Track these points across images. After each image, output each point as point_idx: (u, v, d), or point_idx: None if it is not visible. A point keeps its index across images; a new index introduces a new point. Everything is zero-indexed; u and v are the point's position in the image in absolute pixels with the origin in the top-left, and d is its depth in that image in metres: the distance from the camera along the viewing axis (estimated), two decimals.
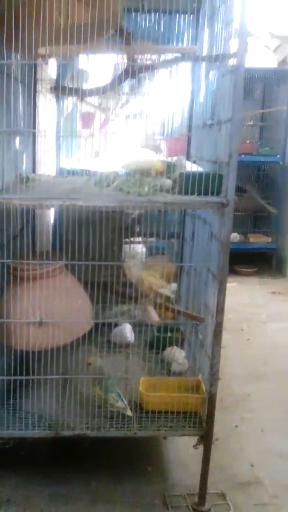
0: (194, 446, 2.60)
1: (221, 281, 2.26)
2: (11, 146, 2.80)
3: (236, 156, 2.14)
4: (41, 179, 2.89)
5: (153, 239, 3.94)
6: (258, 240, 6.86)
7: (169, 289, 3.16)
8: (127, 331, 3.54)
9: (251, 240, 6.85)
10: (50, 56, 2.20)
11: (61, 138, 3.60)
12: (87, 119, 4.82)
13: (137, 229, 4.45)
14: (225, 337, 4.78)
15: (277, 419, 3.45)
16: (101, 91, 2.62)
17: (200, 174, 2.30)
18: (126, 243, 4.70)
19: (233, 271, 6.90)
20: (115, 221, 3.62)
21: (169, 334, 3.41)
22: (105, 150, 4.21)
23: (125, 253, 4.07)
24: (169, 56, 2.55)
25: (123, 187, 2.43)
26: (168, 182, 2.43)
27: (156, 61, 2.42)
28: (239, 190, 6.96)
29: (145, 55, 2.53)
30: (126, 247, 4.56)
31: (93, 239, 2.74)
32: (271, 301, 5.94)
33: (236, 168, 2.16)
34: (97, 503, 2.63)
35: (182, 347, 3.34)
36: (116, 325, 3.54)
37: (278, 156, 6.40)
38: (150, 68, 2.47)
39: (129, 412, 2.57)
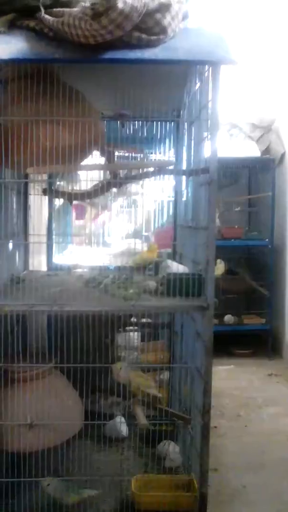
0: None
1: (206, 382, 2.32)
2: (5, 249, 2.94)
3: (213, 263, 2.25)
4: (31, 278, 3.01)
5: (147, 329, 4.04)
6: (252, 321, 6.92)
7: (156, 388, 3.22)
8: (121, 425, 3.56)
9: (245, 321, 6.91)
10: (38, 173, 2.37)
11: (53, 233, 3.76)
12: (81, 210, 5.04)
13: (133, 319, 4.55)
14: (223, 424, 4.83)
15: None
16: (89, 196, 2.78)
17: (181, 276, 2.41)
18: (119, 332, 4.78)
19: (229, 353, 6.92)
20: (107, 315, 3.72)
21: (163, 428, 3.42)
22: (97, 241, 4.39)
23: (118, 343, 4.15)
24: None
25: (110, 289, 2.54)
26: (153, 284, 2.54)
27: (139, 173, 2.60)
28: (231, 273, 7.11)
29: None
30: (120, 336, 4.64)
31: (86, 337, 2.83)
32: (267, 384, 5.92)
33: (213, 274, 2.26)
34: None
35: (176, 440, 3.35)
36: (110, 418, 3.56)
37: (267, 240, 6.58)
38: (132, 180, 2.64)
39: None
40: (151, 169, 2.50)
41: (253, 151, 6.52)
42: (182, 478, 2.77)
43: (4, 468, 2.87)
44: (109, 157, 2.47)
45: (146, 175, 2.54)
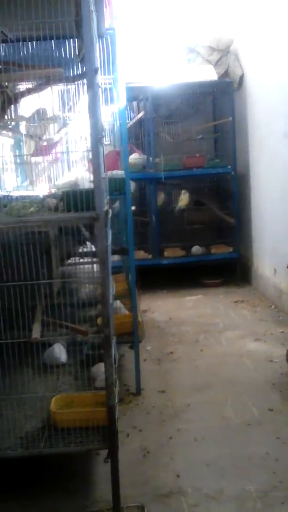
0: (104, 460, 2.62)
1: (103, 295, 2.30)
2: None
3: (99, 173, 2.19)
4: None
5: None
6: (220, 250, 6.91)
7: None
8: (60, 352, 3.58)
9: (212, 251, 6.89)
10: None
11: None
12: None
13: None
14: (179, 349, 4.88)
15: (211, 428, 3.45)
16: None
17: (75, 192, 2.36)
18: (77, 264, 4.77)
19: (198, 284, 6.95)
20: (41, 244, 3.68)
21: (101, 351, 3.44)
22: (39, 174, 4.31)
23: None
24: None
25: (11, 210, 2.50)
26: (52, 201, 2.49)
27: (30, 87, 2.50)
28: (197, 204, 7.04)
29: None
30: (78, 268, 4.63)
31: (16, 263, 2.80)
32: (232, 310, 5.95)
33: (100, 185, 2.20)
34: None
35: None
36: (49, 346, 3.59)
37: (229, 167, 6.47)
38: (23, 93, 2.54)
39: None
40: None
41: (211, 75, 6.32)
42: (102, 395, 2.79)
43: None
44: None
45: (37, 88, 2.44)
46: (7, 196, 3.03)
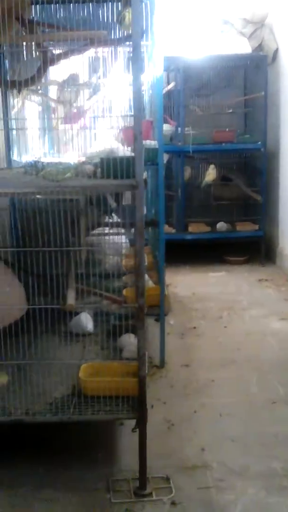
0: (132, 429, 2.61)
1: (138, 265, 2.26)
2: None
3: (141, 139, 2.13)
4: None
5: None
6: (246, 228, 6.81)
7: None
8: (86, 321, 3.56)
9: (238, 228, 6.81)
10: None
11: (14, 131, 3.64)
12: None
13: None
14: (202, 324, 4.85)
15: (236, 404, 3.44)
16: (29, 82, 2.64)
17: (115, 159, 2.31)
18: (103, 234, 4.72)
19: (222, 261, 6.88)
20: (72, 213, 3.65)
21: (129, 322, 3.42)
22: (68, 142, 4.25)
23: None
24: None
25: (47, 175, 2.46)
26: (90, 168, 2.44)
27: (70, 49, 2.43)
28: (224, 179, 6.94)
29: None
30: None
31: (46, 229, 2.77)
32: (256, 289, 5.90)
33: (142, 151, 2.15)
34: (42, 488, 2.66)
35: None
36: (76, 314, 3.57)
37: (259, 143, 6.34)
38: (64, 55, 2.48)
39: None
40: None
41: (245, 48, 6.16)
42: (131, 365, 2.77)
43: None
44: (32, 29, 2.30)
45: (78, 50, 2.38)
46: (38, 162, 2.99)
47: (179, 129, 6.40)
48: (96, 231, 4.66)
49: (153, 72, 3.79)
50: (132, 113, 2.20)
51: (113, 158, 2.32)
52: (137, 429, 2.57)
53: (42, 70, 2.55)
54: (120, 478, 2.71)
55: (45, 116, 4.84)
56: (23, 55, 2.98)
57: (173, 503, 2.53)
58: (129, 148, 2.86)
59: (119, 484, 2.66)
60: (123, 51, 3.26)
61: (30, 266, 2.69)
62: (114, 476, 2.72)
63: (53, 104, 4.32)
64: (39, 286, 2.71)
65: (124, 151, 2.64)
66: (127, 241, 4.35)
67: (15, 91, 3.30)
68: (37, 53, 2.64)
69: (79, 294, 2.94)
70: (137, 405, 2.51)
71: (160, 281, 3.82)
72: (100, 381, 2.67)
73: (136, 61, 2.14)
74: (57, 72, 4.18)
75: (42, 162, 2.80)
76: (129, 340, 3.21)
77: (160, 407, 3.39)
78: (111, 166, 2.30)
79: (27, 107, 4.23)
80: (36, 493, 2.63)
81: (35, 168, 2.59)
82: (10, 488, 2.66)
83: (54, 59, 2.47)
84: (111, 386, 2.63)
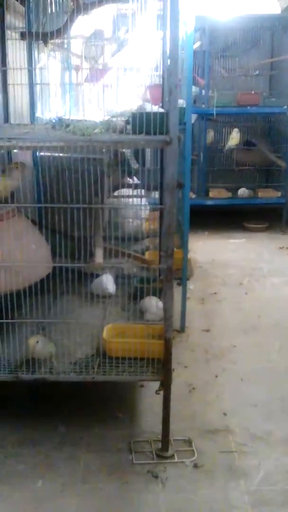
0: (156, 391, 2.59)
1: (169, 225, 2.19)
2: None
3: (176, 93, 2.04)
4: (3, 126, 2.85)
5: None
6: (267, 195, 6.69)
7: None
8: (108, 282, 3.52)
9: (259, 195, 6.68)
10: None
11: (38, 87, 3.54)
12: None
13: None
14: (223, 290, 4.79)
15: (258, 370, 3.40)
16: (55, 34, 2.54)
17: (148, 114, 2.22)
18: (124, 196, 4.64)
19: (242, 227, 6.78)
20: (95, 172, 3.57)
21: (151, 285, 3.37)
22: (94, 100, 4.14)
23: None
24: None
25: (76, 130, 2.38)
26: (120, 123, 2.36)
27: None
28: (248, 144, 6.79)
29: None
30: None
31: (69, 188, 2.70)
32: (277, 256, 5.81)
33: (176, 106, 2.06)
34: (63, 446, 2.67)
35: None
36: (97, 276, 3.53)
37: (285, 107, 6.16)
38: (98, 3, 2.37)
39: None
40: None
41: (273, 8, 5.93)
42: (155, 327, 2.73)
43: None
44: None
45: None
46: (63, 118, 2.90)
47: (203, 91, 6.23)
48: (117, 193, 4.59)
49: (183, 31, 3.65)
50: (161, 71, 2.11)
51: (146, 113, 2.23)
52: (161, 391, 2.55)
53: (70, 20, 2.44)
54: (141, 439, 2.70)
55: (69, 74, 4.72)
56: (50, 6, 2.88)
57: (195, 466, 2.52)
58: (157, 107, 2.75)
59: (140, 445, 2.66)
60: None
61: (55, 225, 2.63)
62: (136, 438, 2.71)
63: (77, 61, 4.20)
64: (65, 245, 2.65)
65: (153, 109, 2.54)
66: (148, 204, 4.27)
67: (40, 44, 3.20)
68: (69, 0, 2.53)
69: (106, 254, 2.88)
70: (162, 367, 2.47)
71: (183, 245, 3.75)
72: (125, 342, 2.63)
73: (173, 11, 2.03)
74: (81, 27, 4.05)
75: (67, 119, 2.72)
76: (151, 303, 3.16)
77: (181, 370, 3.36)
78: (144, 121, 2.21)
79: (50, 65, 4.12)
80: (57, 451, 2.63)
81: (63, 123, 2.51)
82: (32, 445, 2.67)
83: (88, 7, 2.36)
84: (136, 348, 2.59)
